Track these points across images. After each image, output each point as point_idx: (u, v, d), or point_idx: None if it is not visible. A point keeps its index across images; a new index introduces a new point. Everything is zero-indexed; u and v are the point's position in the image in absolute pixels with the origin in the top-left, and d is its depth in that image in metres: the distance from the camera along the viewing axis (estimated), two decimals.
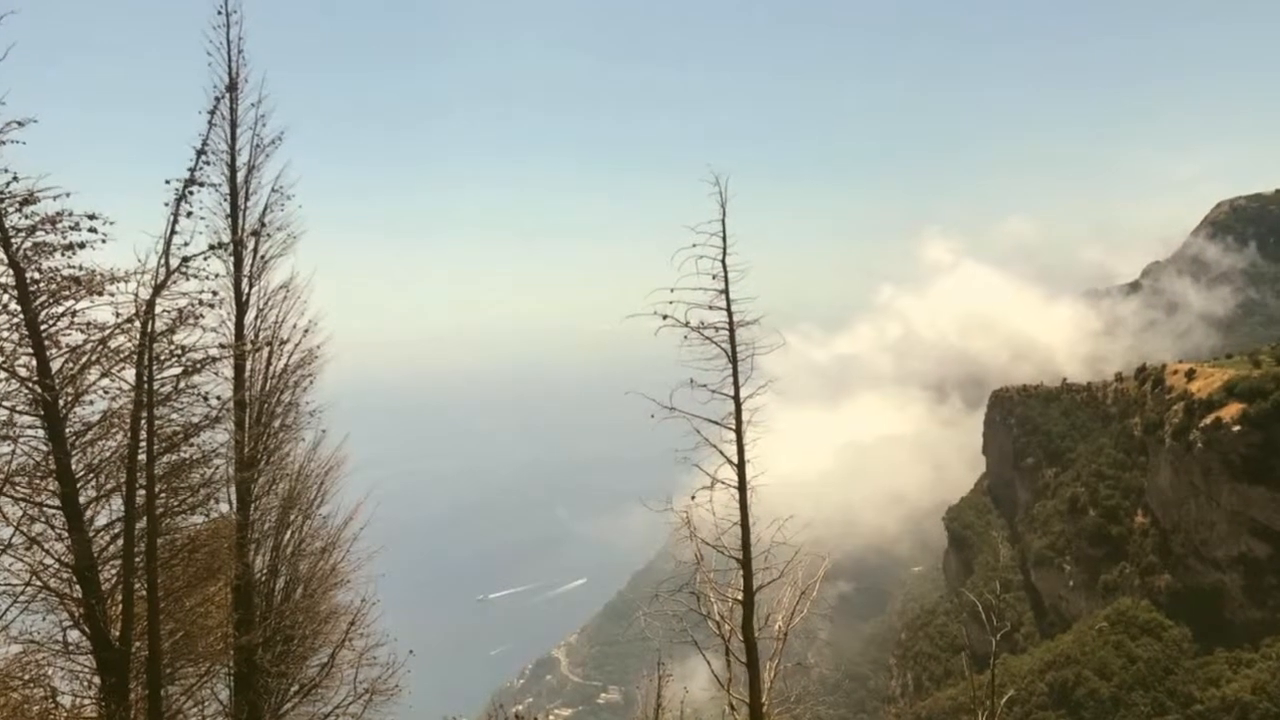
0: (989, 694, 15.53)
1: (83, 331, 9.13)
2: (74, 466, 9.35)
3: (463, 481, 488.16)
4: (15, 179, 8.55)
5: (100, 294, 9.08)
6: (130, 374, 9.39)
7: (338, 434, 13.88)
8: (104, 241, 8.85)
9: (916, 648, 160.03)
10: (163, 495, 10.06)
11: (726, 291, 11.05)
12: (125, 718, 9.68)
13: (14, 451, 9.13)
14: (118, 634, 9.68)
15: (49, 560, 9.44)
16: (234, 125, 12.60)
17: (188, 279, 9.49)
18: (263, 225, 12.89)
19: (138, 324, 9.25)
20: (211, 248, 9.91)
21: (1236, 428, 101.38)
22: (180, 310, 9.55)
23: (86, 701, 10.07)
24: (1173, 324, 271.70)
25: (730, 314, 11.15)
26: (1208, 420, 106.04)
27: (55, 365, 9.10)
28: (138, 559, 9.67)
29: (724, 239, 10.93)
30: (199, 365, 9.85)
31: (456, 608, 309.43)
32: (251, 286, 13.00)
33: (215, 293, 9.87)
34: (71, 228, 8.73)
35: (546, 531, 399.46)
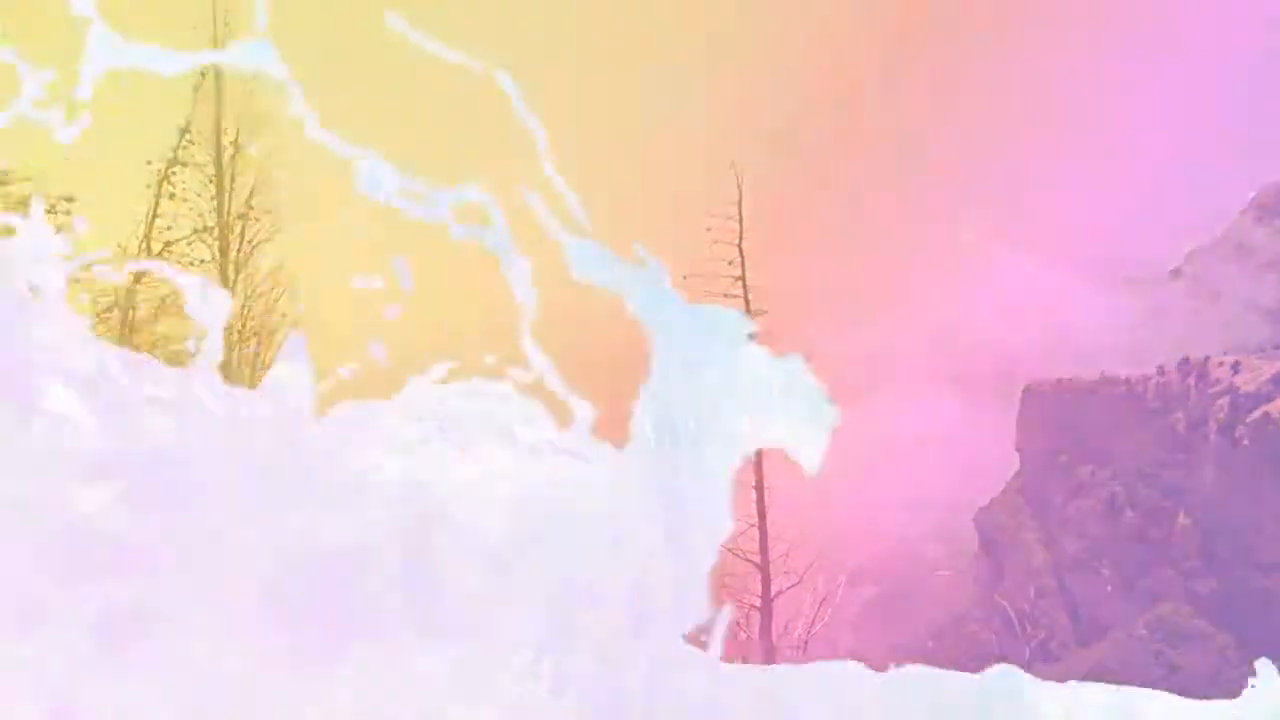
0: None
1: None
2: None
3: None
4: None
5: (78, 282, 9.05)
6: None
7: None
8: (81, 225, 8.82)
9: (944, 656, 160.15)
10: None
11: (743, 277, 10.99)
12: None
13: None
14: None
15: None
16: (221, 102, 12.58)
17: (170, 265, 9.47)
18: (250, 208, 12.88)
19: (117, 313, 9.23)
20: (195, 232, 9.89)
21: None
22: (162, 299, 9.53)
23: None
24: (1217, 313, 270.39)
25: (747, 301, 11.08)
26: (1255, 415, 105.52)
27: None
28: None
29: (740, 222, 10.87)
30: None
31: None
32: (238, 273, 13.00)
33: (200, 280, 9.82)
34: (47, 210, 8.69)
35: None
